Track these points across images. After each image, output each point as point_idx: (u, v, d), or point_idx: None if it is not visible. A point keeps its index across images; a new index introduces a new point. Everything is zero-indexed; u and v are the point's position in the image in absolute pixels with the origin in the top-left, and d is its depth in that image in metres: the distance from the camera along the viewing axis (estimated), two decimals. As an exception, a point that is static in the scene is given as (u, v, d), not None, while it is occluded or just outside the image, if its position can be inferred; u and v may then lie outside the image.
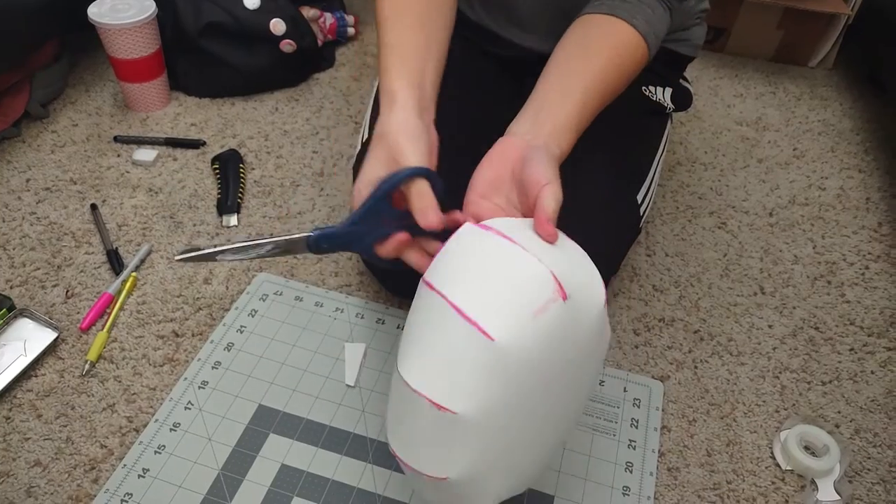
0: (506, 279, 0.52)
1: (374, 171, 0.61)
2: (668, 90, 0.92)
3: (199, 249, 0.64)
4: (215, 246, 0.64)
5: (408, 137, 0.61)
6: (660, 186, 1.11)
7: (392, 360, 0.83)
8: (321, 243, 0.63)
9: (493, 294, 0.51)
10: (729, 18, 1.43)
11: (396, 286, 0.88)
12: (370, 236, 0.62)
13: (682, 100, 0.95)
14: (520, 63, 0.90)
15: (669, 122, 0.95)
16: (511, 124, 0.65)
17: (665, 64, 0.92)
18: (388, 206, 0.61)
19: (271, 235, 0.64)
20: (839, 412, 0.82)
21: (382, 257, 0.62)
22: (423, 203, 0.57)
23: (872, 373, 0.87)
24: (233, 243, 0.64)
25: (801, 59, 1.45)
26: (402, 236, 0.60)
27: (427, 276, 0.55)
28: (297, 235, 0.63)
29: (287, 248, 0.64)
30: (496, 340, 0.49)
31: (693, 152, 1.21)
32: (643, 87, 0.89)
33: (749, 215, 1.09)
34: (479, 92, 0.89)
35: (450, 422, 0.50)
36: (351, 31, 1.40)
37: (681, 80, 0.96)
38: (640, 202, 0.84)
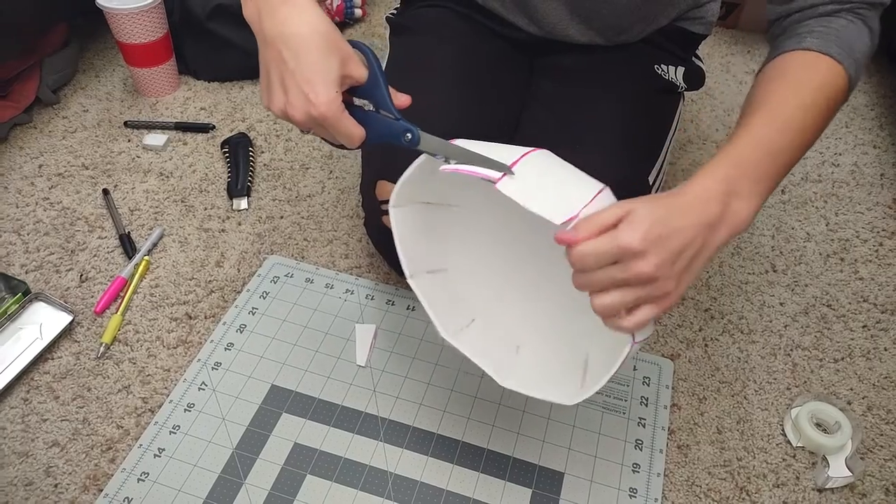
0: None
1: (329, 68, 0.58)
2: (681, 69, 0.91)
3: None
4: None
5: (334, 29, 0.60)
6: (671, 165, 1.10)
7: (402, 340, 0.84)
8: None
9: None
10: (741, -7, 1.40)
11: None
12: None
13: (695, 79, 0.94)
14: (530, 46, 0.90)
15: (682, 101, 0.94)
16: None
17: (678, 43, 0.90)
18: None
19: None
20: (851, 389, 0.82)
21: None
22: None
23: (886, 350, 0.86)
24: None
25: (815, 33, 1.42)
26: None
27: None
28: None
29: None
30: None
31: (705, 130, 1.20)
32: (655, 66, 0.88)
33: (761, 193, 1.08)
34: (486, 70, 0.88)
35: None
36: (358, 12, 1.39)
37: (693, 59, 0.95)
38: (651, 182, 0.83)
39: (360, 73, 0.60)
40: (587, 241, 0.51)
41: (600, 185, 0.56)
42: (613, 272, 0.50)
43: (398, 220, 0.65)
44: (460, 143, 0.59)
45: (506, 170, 0.55)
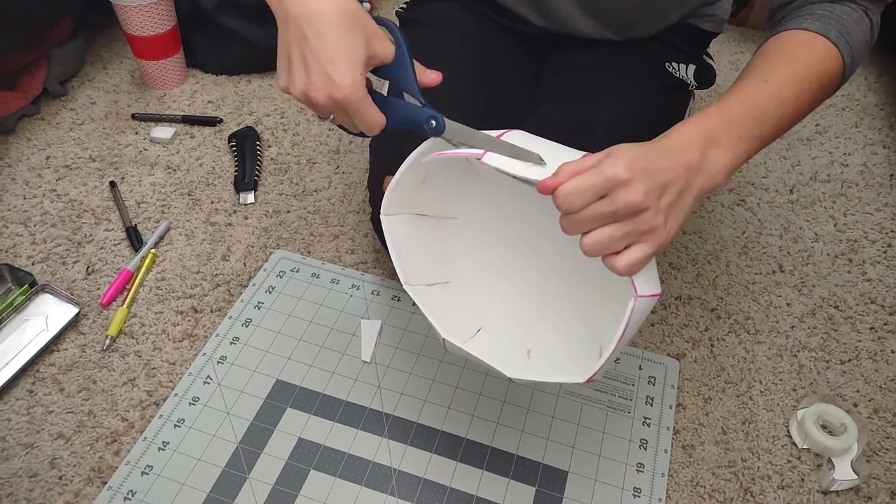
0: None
1: (353, 48, 0.56)
2: (692, 67, 0.90)
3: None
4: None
5: (359, 7, 0.58)
6: (678, 163, 1.10)
7: (407, 336, 0.84)
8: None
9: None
10: (752, -9, 1.40)
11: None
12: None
13: (706, 77, 0.93)
14: (540, 40, 0.89)
15: (692, 99, 0.93)
16: None
17: (689, 40, 0.90)
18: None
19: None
20: (858, 391, 0.82)
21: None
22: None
23: (893, 352, 0.86)
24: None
25: (825, 32, 1.41)
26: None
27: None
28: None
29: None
30: None
31: (713, 128, 1.19)
32: (666, 64, 0.87)
33: (769, 192, 1.07)
34: (494, 64, 0.88)
35: None
36: (366, 6, 1.39)
37: (704, 57, 0.95)
38: None
39: (386, 51, 0.58)
40: (571, 180, 0.50)
41: (583, 152, 0.56)
42: (601, 207, 0.50)
43: (391, 228, 0.64)
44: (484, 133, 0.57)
45: (538, 160, 0.54)
